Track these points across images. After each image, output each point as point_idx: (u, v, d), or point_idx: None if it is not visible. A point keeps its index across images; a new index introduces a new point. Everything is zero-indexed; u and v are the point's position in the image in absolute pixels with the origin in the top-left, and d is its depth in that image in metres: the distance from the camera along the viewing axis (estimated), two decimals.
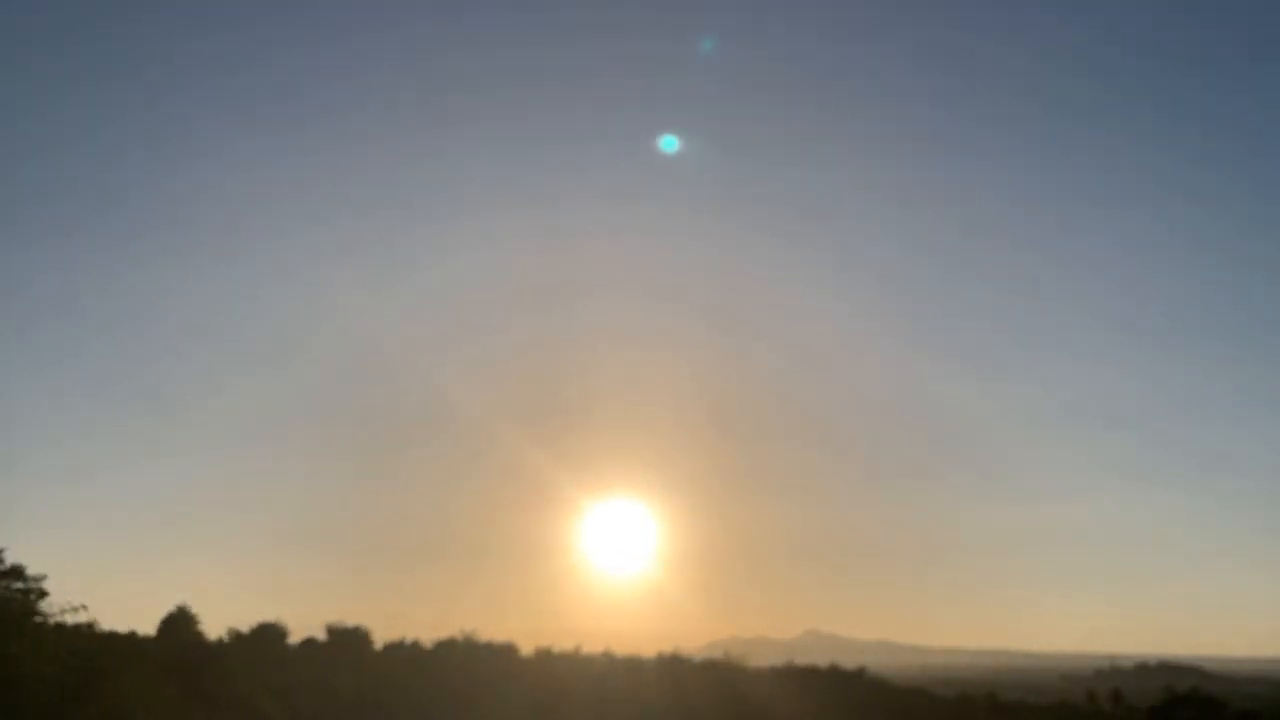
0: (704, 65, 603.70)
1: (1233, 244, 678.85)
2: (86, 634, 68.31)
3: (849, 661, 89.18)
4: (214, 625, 79.86)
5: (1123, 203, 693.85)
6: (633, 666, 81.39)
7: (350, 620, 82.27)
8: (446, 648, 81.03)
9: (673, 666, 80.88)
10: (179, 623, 77.97)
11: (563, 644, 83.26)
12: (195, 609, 79.54)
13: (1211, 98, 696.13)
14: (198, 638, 77.24)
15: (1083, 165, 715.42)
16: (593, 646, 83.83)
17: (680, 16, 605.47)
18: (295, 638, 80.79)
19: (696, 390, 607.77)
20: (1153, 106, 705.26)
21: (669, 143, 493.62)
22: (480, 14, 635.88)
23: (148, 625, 78.77)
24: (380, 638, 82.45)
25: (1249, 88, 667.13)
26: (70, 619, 68.41)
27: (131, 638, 76.00)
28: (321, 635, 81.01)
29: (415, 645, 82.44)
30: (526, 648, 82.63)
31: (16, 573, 65.60)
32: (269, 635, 79.55)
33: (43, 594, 67.45)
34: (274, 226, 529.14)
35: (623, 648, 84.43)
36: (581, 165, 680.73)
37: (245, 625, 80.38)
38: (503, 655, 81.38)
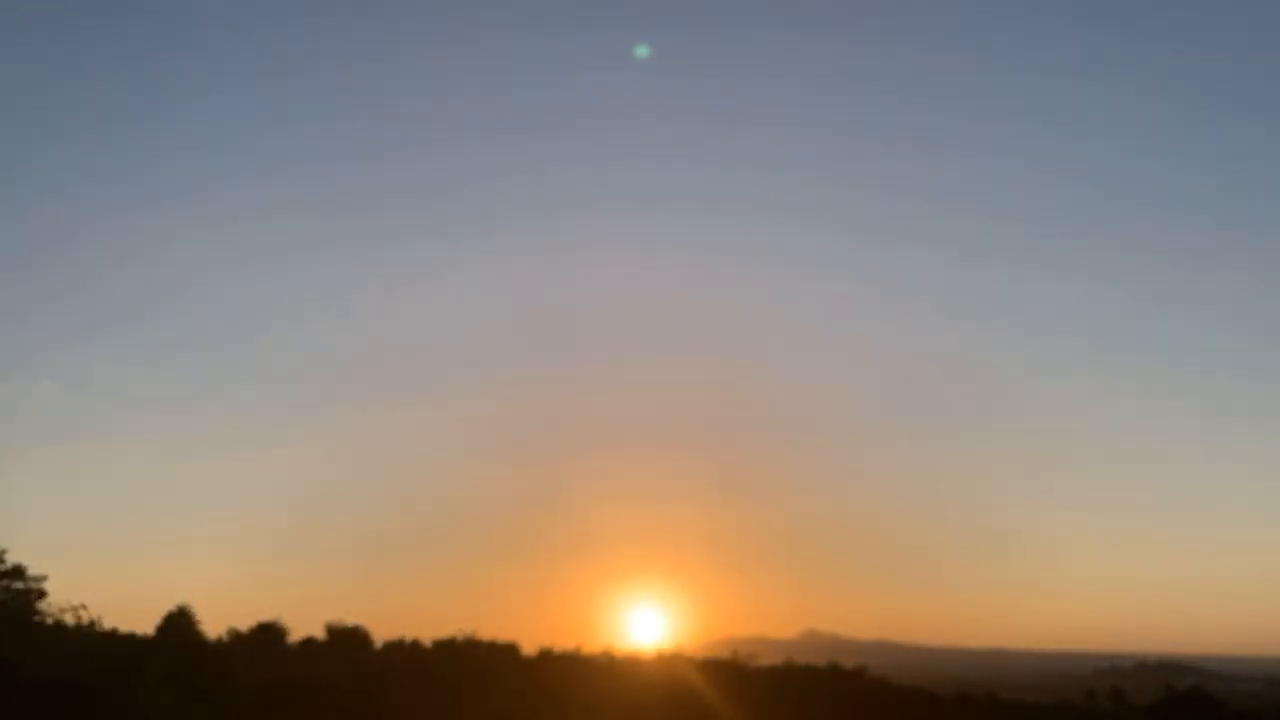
0: None
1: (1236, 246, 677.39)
2: (87, 634, 68.65)
3: (849, 661, 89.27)
4: (214, 625, 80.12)
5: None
6: (633, 666, 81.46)
7: (350, 619, 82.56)
8: (446, 647, 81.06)
9: (673, 666, 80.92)
10: (179, 623, 78.05)
11: (563, 643, 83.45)
12: (195, 609, 79.83)
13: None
14: (198, 637, 77.34)
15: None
16: (592, 646, 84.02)
17: None
18: (295, 637, 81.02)
19: (694, 388, 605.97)
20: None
21: (641, 51, 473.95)
22: None
23: (148, 625, 78.96)
24: (380, 637, 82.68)
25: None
26: (70, 619, 68.89)
27: (131, 638, 76.19)
28: (321, 635, 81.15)
29: (415, 644, 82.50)
30: (528, 647, 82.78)
31: (18, 573, 65.84)
32: (269, 635, 79.74)
33: (43, 594, 67.75)
34: (259, 221, 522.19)
35: (623, 647, 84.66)
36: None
37: (245, 625, 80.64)
38: (503, 655, 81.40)
